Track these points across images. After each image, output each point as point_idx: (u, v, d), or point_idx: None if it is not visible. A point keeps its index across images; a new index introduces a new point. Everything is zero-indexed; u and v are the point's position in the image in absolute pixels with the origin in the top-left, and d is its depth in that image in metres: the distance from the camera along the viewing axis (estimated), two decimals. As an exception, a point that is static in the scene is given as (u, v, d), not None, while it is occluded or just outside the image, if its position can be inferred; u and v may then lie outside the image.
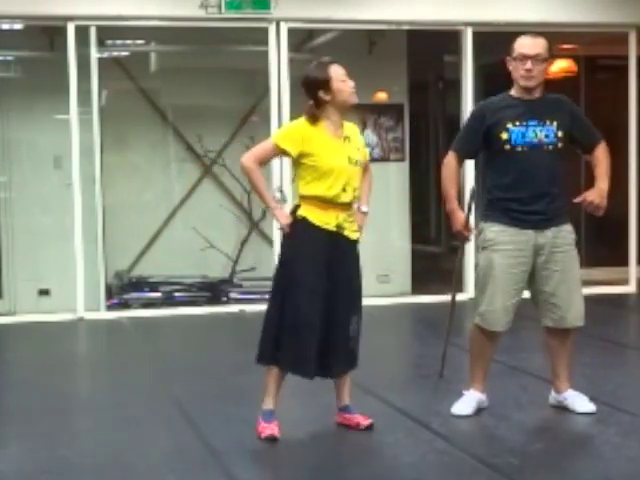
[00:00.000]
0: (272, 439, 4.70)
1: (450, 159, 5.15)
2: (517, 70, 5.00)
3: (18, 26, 8.82)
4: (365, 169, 4.94)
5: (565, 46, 10.40)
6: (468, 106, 8.94)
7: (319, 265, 4.71)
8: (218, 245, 9.53)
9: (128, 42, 9.72)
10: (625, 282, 9.74)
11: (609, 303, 8.96)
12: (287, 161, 8.22)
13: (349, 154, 4.75)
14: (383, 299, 8.95)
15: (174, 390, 5.92)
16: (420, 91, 11.84)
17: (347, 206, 4.78)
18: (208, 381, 6.15)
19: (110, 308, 8.86)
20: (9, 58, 9.33)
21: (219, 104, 9.65)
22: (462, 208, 5.28)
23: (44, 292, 9.14)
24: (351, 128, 4.87)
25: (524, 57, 4.96)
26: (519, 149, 4.97)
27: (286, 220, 4.77)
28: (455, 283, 6.05)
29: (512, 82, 5.08)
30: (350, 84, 4.74)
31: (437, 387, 5.81)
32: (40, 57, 9.08)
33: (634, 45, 9.57)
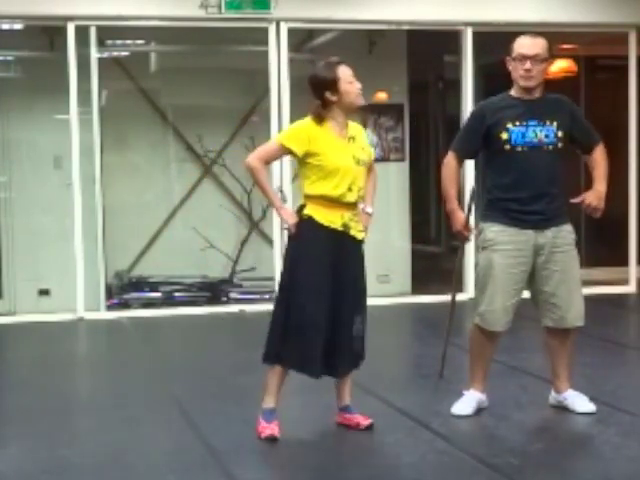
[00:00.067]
0: (272, 439, 4.70)
1: (450, 159, 5.15)
2: (516, 70, 5.00)
3: (18, 26, 8.82)
4: (369, 169, 4.94)
5: (565, 46, 10.40)
6: (468, 106, 8.94)
7: (325, 265, 4.71)
8: (218, 245, 9.53)
9: (128, 42, 9.73)
10: (625, 282, 9.75)
11: (609, 303, 8.96)
12: (287, 161, 8.24)
13: (354, 154, 4.76)
14: (383, 299, 8.95)
15: (174, 390, 5.92)
16: (420, 91, 11.84)
17: (352, 206, 4.78)
18: (208, 381, 6.15)
19: (110, 308, 8.86)
20: (9, 58, 9.34)
21: (219, 104, 9.65)
22: (462, 208, 5.28)
23: (44, 292, 9.14)
24: (356, 128, 4.88)
25: (523, 57, 4.95)
26: (519, 149, 4.97)
27: (292, 220, 4.77)
28: (455, 283, 6.05)
29: (512, 82, 5.08)
30: (357, 86, 4.75)
31: (437, 387, 5.81)
32: (40, 57, 9.08)
33: (634, 45, 9.57)
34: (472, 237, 5.39)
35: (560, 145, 5.02)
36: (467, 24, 9.17)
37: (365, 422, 4.89)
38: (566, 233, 5.08)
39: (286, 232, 4.87)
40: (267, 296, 9.00)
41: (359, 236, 4.83)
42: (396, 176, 9.82)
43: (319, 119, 4.73)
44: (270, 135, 8.69)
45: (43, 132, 9.13)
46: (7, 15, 8.48)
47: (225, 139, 9.67)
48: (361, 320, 4.85)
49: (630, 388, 5.85)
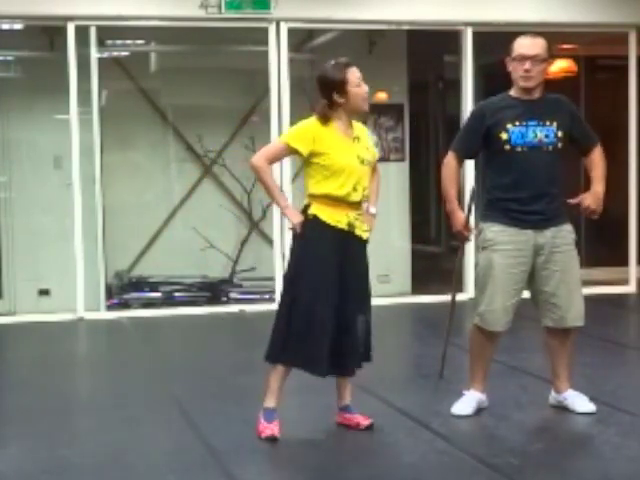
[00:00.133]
0: (272, 439, 4.70)
1: (450, 159, 5.15)
2: (516, 71, 4.99)
3: (18, 26, 8.83)
4: (373, 170, 4.94)
5: (565, 46, 10.40)
6: (468, 106, 8.94)
7: (331, 264, 4.71)
8: (218, 245, 9.53)
9: (128, 42, 9.73)
10: (625, 282, 9.75)
11: (609, 303, 8.96)
12: (287, 161, 8.24)
13: (359, 154, 4.77)
14: (383, 299, 8.93)
15: (174, 390, 5.92)
16: (420, 91, 11.84)
17: (357, 205, 4.79)
18: (208, 381, 6.15)
19: (110, 308, 8.86)
20: (9, 58, 9.33)
21: (219, 104, 9.65)
22: (462, 208, 5.28)
23: (44, 292, 9.14)
24: (360, 128, 4.89)
25: (523, 58, 4.95)
26: (519, 149, 4.97)
27: (298, 219, 4.77)
28: (455, 283, 6.05)
29: (512, 82, 5.08)
30: (365, 89, 4.75)
31: (437, 387, 5.81)
32: (40, 57, 9.08)
33: (634, 45, 9.57)
34: (472, 237, 5.40)
35: (560, 145, 5.02)
36: (467, 24, 9.17)
37: (365, 422, 4.90)
38: (566, 233, 5.08)
39: (290, 232, 4.87)
40: (267, 296, 9.01)
41: (364, 236, 4.83)
42: (396, 176, 9.81)
43: (325, 119, 4.73)
44: (270, 135, 8.70)
45: (43, 132, 9.13)
46: (7, 15, 8.48)
47: (225, 139, 9.67)
48: (366, 320, 4.84)
49: (630, 388, 5.85)
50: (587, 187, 5.17)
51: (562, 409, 5.18)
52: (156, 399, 5.77)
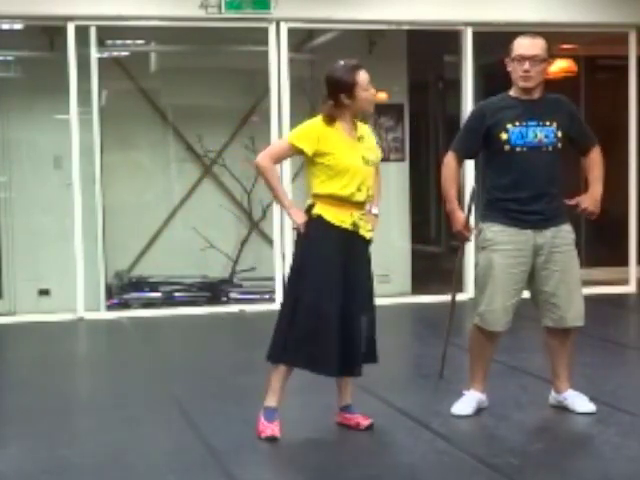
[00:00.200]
0: (272, 439, 4.70)
1: (450, 159, 5.15)
2: (516, 71, 4.99)
3: (18, 26, 8.83)
4: (376, 170, 4.94)
5: (565, 46, 10.41)
6: (468, 106, 8.94)
7: (336, 264, 4.71)
8: (218, 245, 9.53)
9: (128, 42, 9.73)
10: (625, 282, 9.74)
11: (609, 303, 8.96)
12: (287, 162, 8.23)
13: (363, 154, 4.78)
14: (383, 299, 8.88)
15: (174, 390, 5.92)
16: (420, 91, 11.84)
17: (361, 205, 4.79)
18: (208, 381, 6.15)
19: (110, 308, 8.86)
20: (9, 58, 9.34)
21: (219, 104, 9.65)
22: (462, 208, 5.28)
23: (44, 292, 9.14)
24: (364, 128, 4.89)
25: (522, 58, 4.95)
26: (519, 149, 4.97)
27: (302, 219, 4.76)
28: (455, 283, 6.05)
29: (512, 82, 5.08)
30: (372, 92, 4.75)
31: (437, 387, 5.81)
32: (40, 57, 9.08)
33: (634, 45, 9.57)
34: (472, 237, 5.40)
35: (560, 145, 5.02)
36: (467, 24, 9.17)
37: (365, 422, 4.89)
38: (565, 233, 5.08)
39: (291, 232, 4.87)
40: (267, 296, 9.00)
41: (368, 236, 4.83)
42: (396, 176, 9.81)
43: (331, 120, 4.73)
44: (270, 135, 8.70)
45: (43, 132, 9.13)
46: (7, 15, 8.48)
47: (225, 139, 9.67)
48: (371, 320, 4.84)
49: (630, 388, 5.85)
50: (586, 187, 5.17)
51: (562, 409, 5.18)
52: (156, 399, 5.77)
